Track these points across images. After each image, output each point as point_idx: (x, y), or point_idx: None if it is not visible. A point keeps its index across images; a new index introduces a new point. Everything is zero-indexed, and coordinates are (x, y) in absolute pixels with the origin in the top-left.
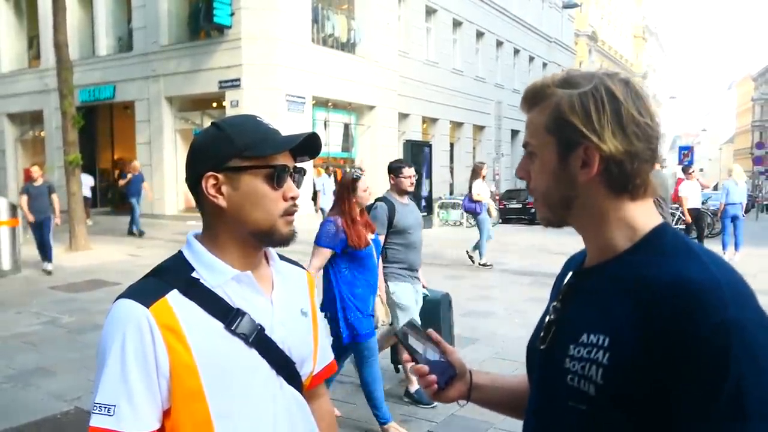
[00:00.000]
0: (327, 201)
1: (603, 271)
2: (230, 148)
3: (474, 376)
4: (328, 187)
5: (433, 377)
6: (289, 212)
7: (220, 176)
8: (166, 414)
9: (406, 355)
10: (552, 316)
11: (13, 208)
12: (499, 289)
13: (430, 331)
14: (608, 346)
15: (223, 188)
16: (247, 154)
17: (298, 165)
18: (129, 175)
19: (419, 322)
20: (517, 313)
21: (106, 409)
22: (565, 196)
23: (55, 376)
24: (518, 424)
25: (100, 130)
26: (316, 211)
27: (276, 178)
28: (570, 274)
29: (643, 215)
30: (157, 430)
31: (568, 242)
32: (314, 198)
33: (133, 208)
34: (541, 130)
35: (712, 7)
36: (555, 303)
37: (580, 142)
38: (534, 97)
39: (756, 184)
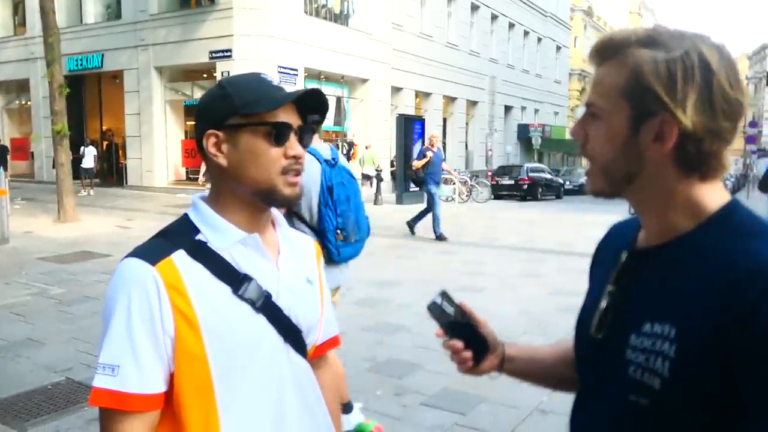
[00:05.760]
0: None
1: (666, 252)
2: (229, 106)
3: (506, 348)
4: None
5: (468, 354)
6: (290, 170)
7: (220, 134)
8: (171, 377)
9: (438, 330)
10: (607, 302)
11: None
12: (491, 265)
13: (463, 303)
14: (675, 337)
15: (224, 146)
16: (245, 111)
17: (307, 123)
18: (429, 154)
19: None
20: (510, 289)
21: (110, 369)
22: (629, 170)
23: (45, 347)
24: (511, 396)
25: (88, 99)
26: None
27: (274, 135)
28: (624, 254)
29: (711, 194)
30: (162, 393)
31: (561, 218)
32: None
33: (433, 200)
34: (613, 92)
35: None
36: (610, 287)
37: (658, 113)
38: (609, 51)
39: (747, 162)
